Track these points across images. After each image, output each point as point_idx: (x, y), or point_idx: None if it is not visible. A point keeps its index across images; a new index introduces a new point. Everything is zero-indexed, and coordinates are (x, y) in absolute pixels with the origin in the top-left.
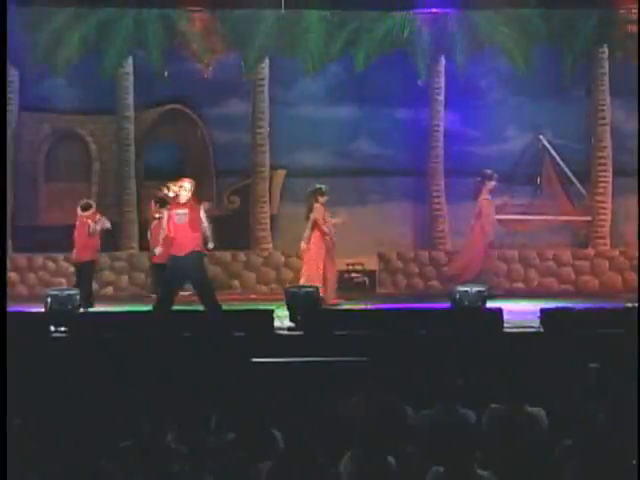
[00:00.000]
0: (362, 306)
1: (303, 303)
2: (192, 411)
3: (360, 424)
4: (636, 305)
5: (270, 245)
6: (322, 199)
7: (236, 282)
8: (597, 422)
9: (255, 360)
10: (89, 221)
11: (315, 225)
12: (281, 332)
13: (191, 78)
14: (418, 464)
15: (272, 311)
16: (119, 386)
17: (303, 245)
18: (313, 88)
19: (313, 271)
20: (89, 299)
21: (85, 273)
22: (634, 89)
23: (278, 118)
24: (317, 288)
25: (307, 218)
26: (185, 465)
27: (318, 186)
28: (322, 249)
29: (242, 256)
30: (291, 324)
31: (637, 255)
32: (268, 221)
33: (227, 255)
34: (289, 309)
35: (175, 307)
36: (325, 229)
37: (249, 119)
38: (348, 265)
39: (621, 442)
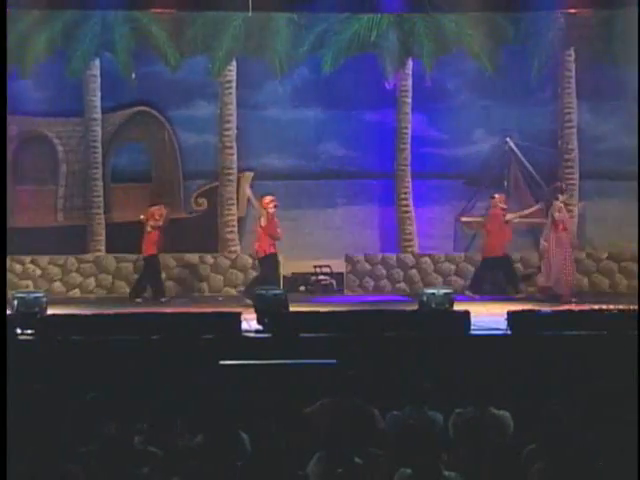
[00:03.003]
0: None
1: (270, 305)
2: (160, 413)
3: (328, 426)
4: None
5: (238, 247)
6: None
7: (204, 285)
8: (563, 424)
9: (223, 362)
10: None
11: None
12: (248, 334)
13: (159, 80)
14: (386, 466)
15: (240, 313)
16: (86, 388)
17: None
18: (280, 90)
19: None
20: (159, 291)
21: (149, 267)
22: (601, 91)
23: (245, 120)
24: (284, 291)
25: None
26: (154, 467)
27: None
28: None
29: (210, 259)
30: (259, 326)
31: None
32: (236, 223)
33: (195, 257)
34: (256, 311)
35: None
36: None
37: (216, 121)
38: (315, 267)
39: (587, 444)
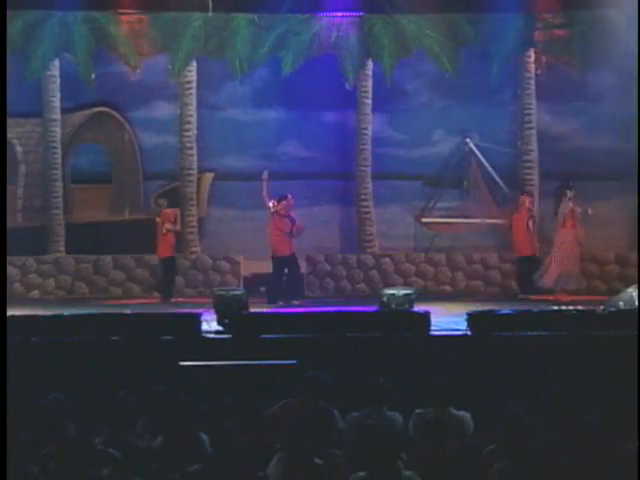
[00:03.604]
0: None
1: (231, 306)
2: (120, 415)
3: (288, 427)
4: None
5: (198, 248)
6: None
7: None
8: (522, 425)
9: (182, 364)
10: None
11: None
12: (208, 335)
13: (118, 81)
14: (345, 467)
15: (199, 314)
16: (45, 390)
17: None
18: (241, 91)
19: None
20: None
21: (165, 268)
22: (560, 92)
23: (206, 121)
24: (245, 291)
25: None
26: (113, 469)
27: None
28: None
29: None
30: (219, 327)
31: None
32: (196, 224)
33: (155, 258)
34: (217, 312)
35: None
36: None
37: (176, 122)
38: None
39: (546, 444)
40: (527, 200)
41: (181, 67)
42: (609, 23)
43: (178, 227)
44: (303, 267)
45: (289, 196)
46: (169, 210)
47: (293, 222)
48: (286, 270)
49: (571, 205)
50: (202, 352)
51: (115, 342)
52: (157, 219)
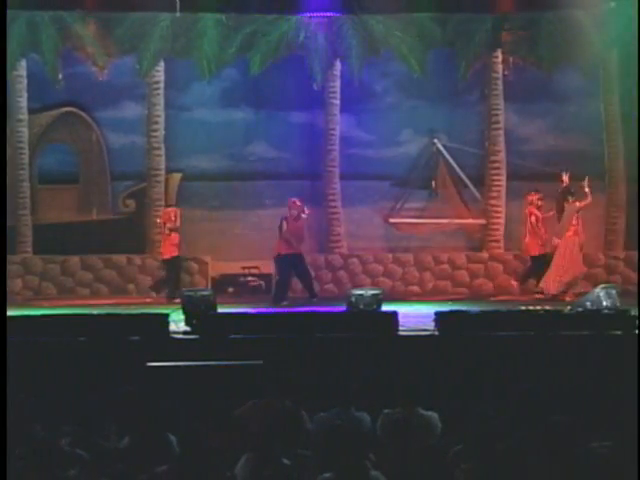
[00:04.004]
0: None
1: (199, 307)
2: (87, 415)
3: (256, 427)
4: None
5: None
6: None
7: (131, 286)
8: (490, 425)
9: (150, 364)
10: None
11: None
12: (176, 336)
13: (86, 81)
14: (313, 467)
15: (167, 315)
16: (12, 391)
17: None
18: (209, 91)
19: None
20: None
21: (170, 268)
22: (528, 93)
23: (174, 121)
24: (212, 292)
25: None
26: (80, 470)
27: None
28: None
29: (138, 260)
30: (187, 328)
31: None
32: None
33: (122, 259)
34: (185, 313)
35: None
36: None
37: (144, 122)
38: (244, 269)
39: (514, 444)
40: (534, 198)
41: (148, 67)
42: (576, 24)
43: (178, 223)
44: (271, 268)
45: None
46: (169, 209)
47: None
48: (294, 270)
49: (578, 205)
50: (170, 353)
51: (83, 343)
52: (158, 220)
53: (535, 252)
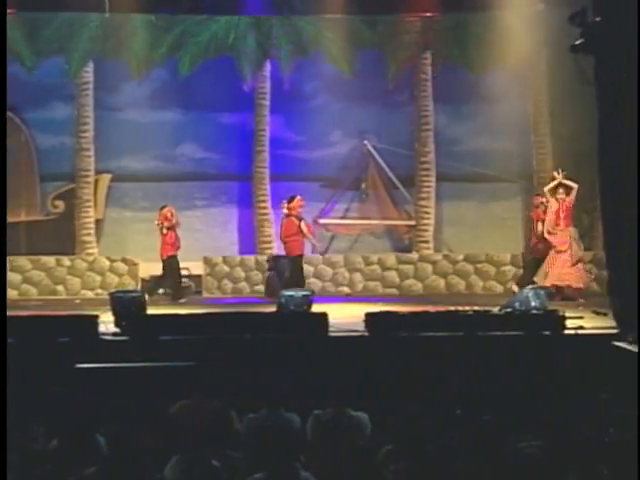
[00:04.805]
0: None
1: (128, 308)
2: (15, 418)
3: (185, 428)
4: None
5: (95, 250)
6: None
7: (60, 287)
8: (420, 425)
9: (79, 366)
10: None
11: None
12: (106, 337)
13: (14, 82)
14: (243, 468)
15: (97, 316)
16: None
17: None
18: (138, 92)
19: None
20: (177, 292)
21: (169, 268)
22: (457, 94)
23: (103, 122)
24: (142, 293)
25: None
26: (8, 472)
27: None
28: None
29: (67, 261)
30: (116, 329)
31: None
32: (93, 226)
33: (51, 260)
34: (114, 314)
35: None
36: None
37: (74, 123)
38: None
39: (444, 444)
40: (540, 201)
41: (78, 68)
42: (504, 25)
43: (174, 221)
44: (200, 269)
45: (298, 196)
46: (164, 210)
47: (300, 221)
48: (287, 270)
49: (567, 199)
50: (99, 354)
51: (11, 344)
52: (156, 222)
53: (538, 255)
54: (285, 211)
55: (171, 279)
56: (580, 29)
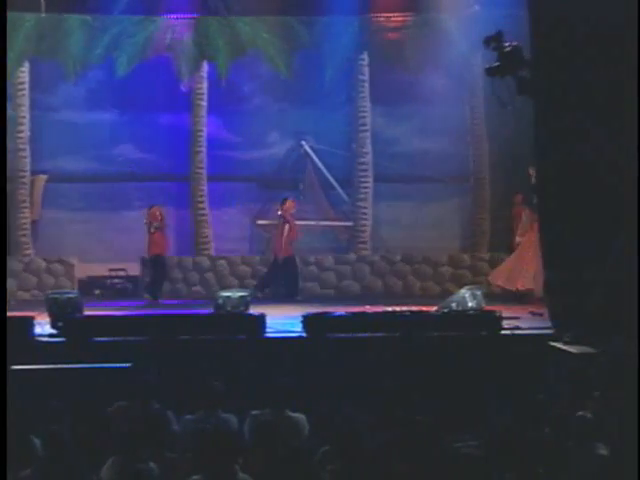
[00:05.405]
0: None
1: (64, 309)
2: None
3: (122, 430)
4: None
5: (31, 251)
6: None
7: None
8: (356, 425)
9: (14, 367)
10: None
11: None
12: (42, 339)
13: None
14: (180, 470)
15: (32, 317)
16: None
17: None
18: (75, 93)
19: None
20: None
21: (154, 265)
22: (394, 95)
23: (39, 123)
24: (78, 294)
25: None
26: None
27: None
28: None
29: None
30: (52, 330)
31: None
32: (29, 226)
33: None
34: (50, 315)
35: None
36: None
37: (9, 123)
38: (110, 271)
39: (380, 444)
40: (520, 199)
41: (13, 68)
42: (441, 27)
43: (164, 223)
44: (137, 270)
45: (290, 198)
46: (154, 208)
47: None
48: (284, 271)
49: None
50: (35, 355)
51: None
52: (144, 220)
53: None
54: (279, 212)
55: (156, 279)
56: (495, 53)
